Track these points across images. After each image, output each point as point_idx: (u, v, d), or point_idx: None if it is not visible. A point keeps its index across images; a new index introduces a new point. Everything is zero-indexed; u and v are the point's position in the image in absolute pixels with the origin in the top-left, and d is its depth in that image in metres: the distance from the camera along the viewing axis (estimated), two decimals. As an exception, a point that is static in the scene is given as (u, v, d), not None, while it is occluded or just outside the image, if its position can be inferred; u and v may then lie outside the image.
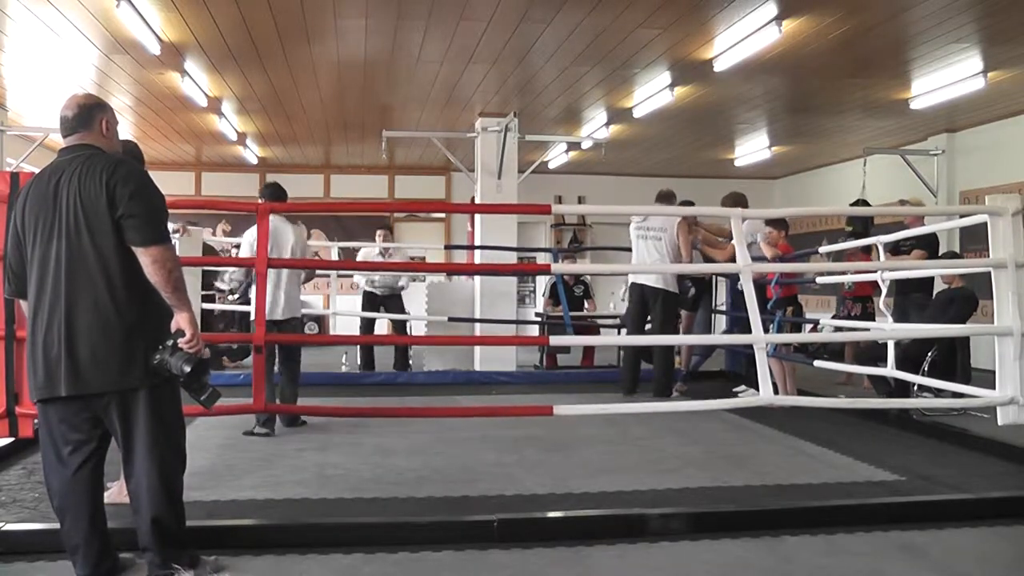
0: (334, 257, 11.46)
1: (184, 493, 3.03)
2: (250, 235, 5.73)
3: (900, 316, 6.86)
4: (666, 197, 7.30)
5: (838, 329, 7.14)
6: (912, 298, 6.89)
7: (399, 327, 9.19)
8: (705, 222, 7.59)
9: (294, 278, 5.85)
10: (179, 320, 2.92)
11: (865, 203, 9.52)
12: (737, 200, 7.12)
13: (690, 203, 7.92)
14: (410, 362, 9.11)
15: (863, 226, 8.83)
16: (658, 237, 7.07)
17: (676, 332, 7.54)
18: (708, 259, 7.57)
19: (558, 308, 8.93)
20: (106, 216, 2.81)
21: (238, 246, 9.74)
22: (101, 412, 2.88)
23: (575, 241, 13.84)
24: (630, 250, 7.51)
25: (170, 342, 2.89)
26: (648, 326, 7.35)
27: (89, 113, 2.99)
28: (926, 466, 4.84)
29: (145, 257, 2.82)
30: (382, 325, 9.70)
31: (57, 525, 2.94)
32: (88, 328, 2.80)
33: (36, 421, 3.35)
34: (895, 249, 6.96)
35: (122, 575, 2.97)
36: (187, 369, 2.85)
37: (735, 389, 7.52)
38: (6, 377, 3.86)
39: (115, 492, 3.72)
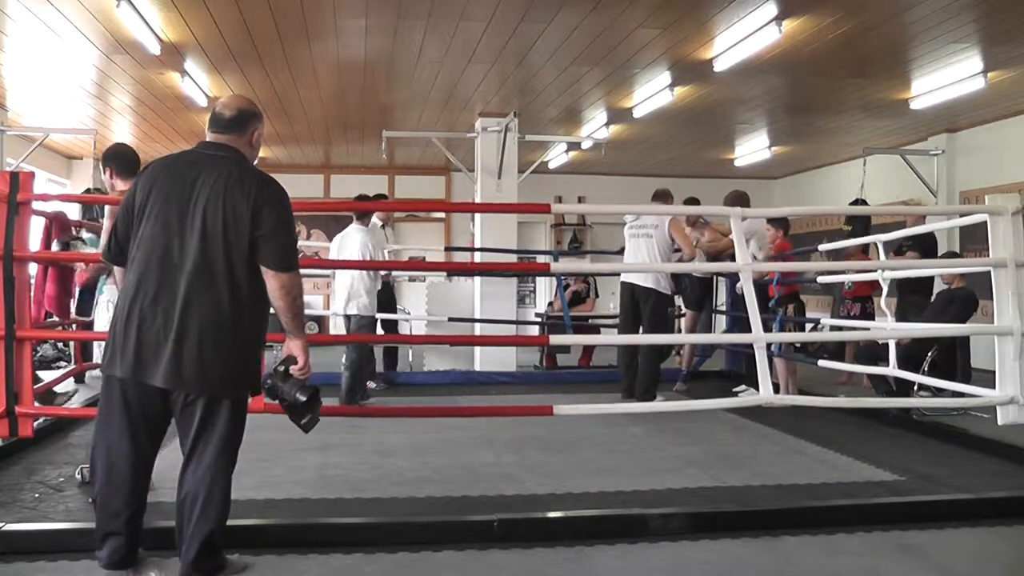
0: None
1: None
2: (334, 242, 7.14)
3: (898, 317, 6.87)
4: (662, 196, 7.20)
5: (838, 329, 7.15)
6: (910, 299, 6.90)
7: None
8: (712, 223, 7.60)
9: (360, 279, 6.67)
10: (292, 347, 2.97)
11: (863, 203, 9.52)
12: (739, 198, 7.09)
13: (695, 200, 7.88)
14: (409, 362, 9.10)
15: (862, 226, 8.83)
16: (649, 235, 6.90)
17: (666, 333, 7.46)
18: (712, 258, 7.60)
19: (572, 307, 8.98)
20: (246, 230, 2.84)
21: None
22: (179, 408, 2.88)
23: (575, 241, 13.84)
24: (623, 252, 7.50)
25: (282, 367, 2.92)
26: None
27: (247, 119, 3.03)
28: (926, 466, 4.84)
29: (274, 281, 2.87)
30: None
31: (58, 525, 2.95)
32: (201, 328, 2.80)
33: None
34: (897, 249, 6.97)
35: (139, 567, 2.96)
36: (302, 398, 2.91)
37: (735, 389, 7.52)
38: (6, 377, 3.85)
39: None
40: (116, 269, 3.11)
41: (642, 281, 6.88)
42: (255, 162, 3.11)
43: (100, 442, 2.92)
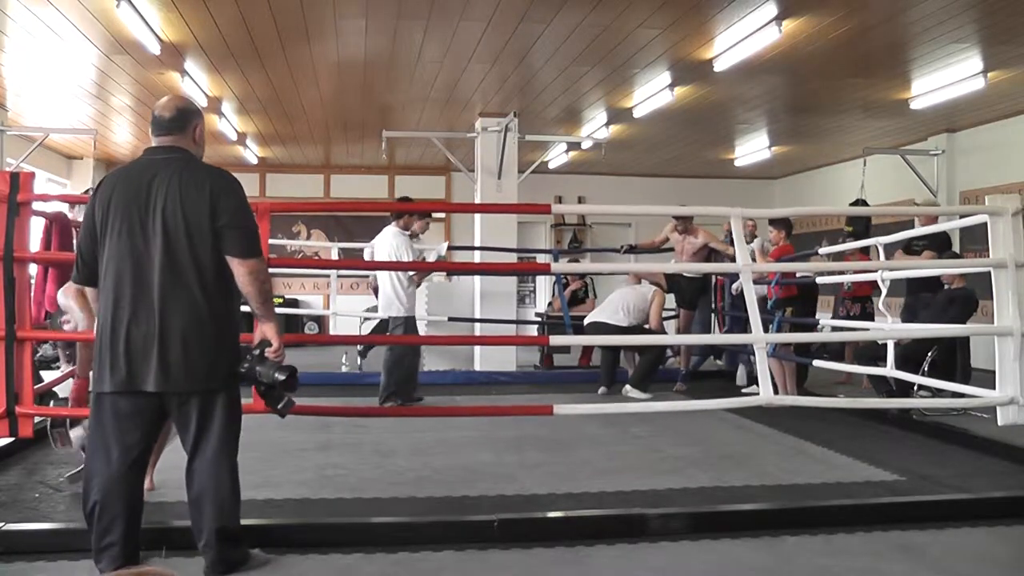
0: (334, 257, 11.47)
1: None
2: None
3: (910, 316, 6.88)
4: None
5: (837, 329, 7.14)
6: (921, 297, 6.90)
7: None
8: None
9: (389, 281, 6.60)
10: (265, 330, 3.00)
11: (864, 203, 9.52)
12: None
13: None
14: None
15: (864, 227, 8.82)
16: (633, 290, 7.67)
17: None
18: (711, 256, 7.64)
19: (572, 307, 9.00)
20: (207, 223, 2.87)
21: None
22: (175, 409, 2.91)
23: (575, 241, 13.84)
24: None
25: (256, 351, 2.97)
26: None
27: (187, 118, 3.04)
28: (926, 466, 4.85)
29: (242, 268, 2.91)
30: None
31: (58, 525, 2.95)
32: (183, 328, 2.84)
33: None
34: (907, 248, 6.96)
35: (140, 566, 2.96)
36: (281, 378, 2.95)
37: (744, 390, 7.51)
38: (6, 377, 3.85)
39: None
40: (88, 290, 3.08)
41: (608, 318, 7.52)
42: (202, 157, 3.11)
43: (93, 462, 2.92)
